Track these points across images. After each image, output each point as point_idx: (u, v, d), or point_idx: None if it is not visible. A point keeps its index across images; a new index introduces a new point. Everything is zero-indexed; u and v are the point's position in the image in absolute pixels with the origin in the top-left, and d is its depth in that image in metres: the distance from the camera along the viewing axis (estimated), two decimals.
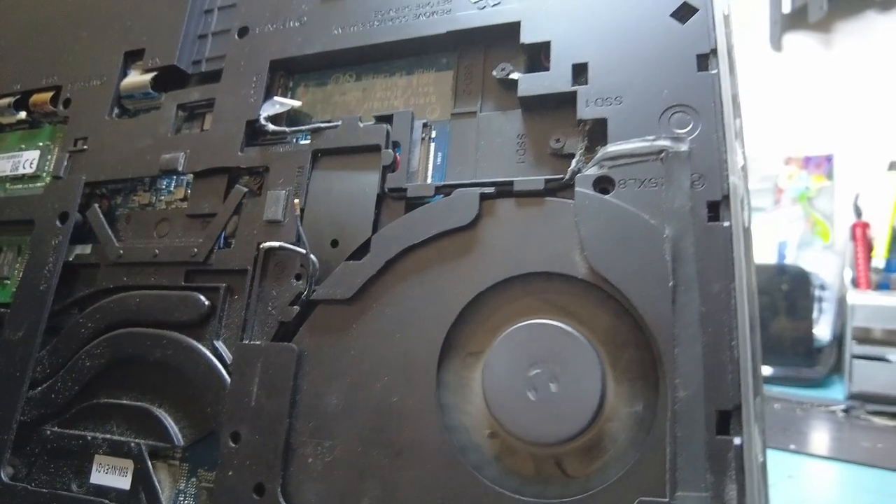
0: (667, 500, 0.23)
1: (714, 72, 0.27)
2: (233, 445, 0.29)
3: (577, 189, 0.27)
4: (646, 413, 0.25)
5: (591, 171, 0.27)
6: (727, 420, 0.23)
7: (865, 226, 0.89)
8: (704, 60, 0.27)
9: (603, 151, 0.27)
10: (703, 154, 0.26)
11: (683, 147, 0.26)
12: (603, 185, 0.27)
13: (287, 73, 0.37)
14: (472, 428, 0.27)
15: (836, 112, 1.01)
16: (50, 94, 0.41)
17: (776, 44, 1.07)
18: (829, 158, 1.01)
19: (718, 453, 0.22)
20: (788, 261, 0.97)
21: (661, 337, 0.24)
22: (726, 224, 0.25)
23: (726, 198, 0.25)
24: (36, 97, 0.41)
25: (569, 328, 0.26)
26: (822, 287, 0.93)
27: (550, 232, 0.27)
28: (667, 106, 0.27)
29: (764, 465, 0.24)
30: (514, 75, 0.30)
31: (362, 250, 0.30)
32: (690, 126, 0.26)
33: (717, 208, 0.25)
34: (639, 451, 0.24)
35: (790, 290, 0.91)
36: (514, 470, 0.26)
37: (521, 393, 0.25)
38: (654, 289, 0.24)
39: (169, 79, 0.39)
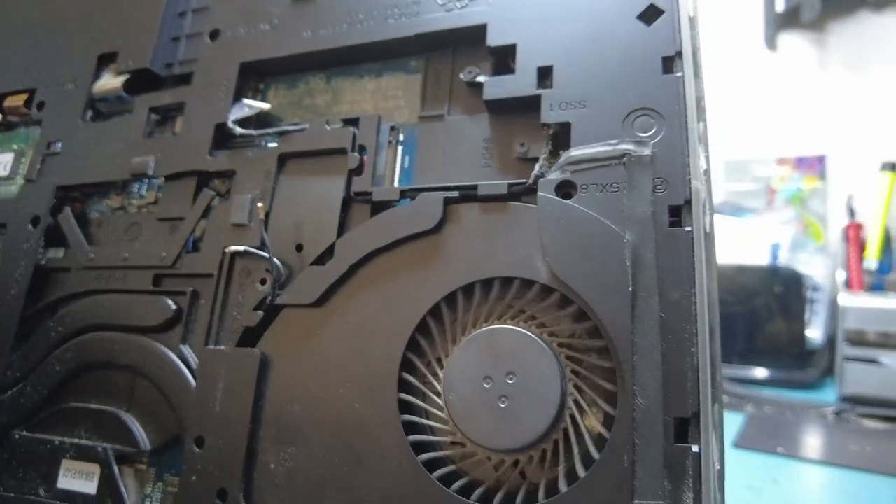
0: None
1: (679, 74, 0.26)
2: (197, 450, 0.29)
3: (539, 194, 0.26)
4: (605, 420, 0.25)
5: (554, 175, 0.27)
6: (685, 428, 0.23)
7: (859, 227, 0.88)
8: (670, 63, 0.27)
9: (566, 156, 0.27)
10: (666, 158, 0.25)
11: (646, 151, 0.26)
12: (565, 189, 0.26)
13: (258, 76, 0.37)
14: (435, 434, 0.27)
15: (828, 112, 1.01)
16: (24, 96, 0.41)
17: (770, 43, 1.06)
18: (821, 159, 1.01)
19: (676, 461, 0.22)
20: (781, 262, 0.96)
21: (620, 344, 0.24)
22: (688, 229, 0.24)
23: (688, 202, 0.25)
24: (10, 100, 0.41)
25: (530, 334, 0.25)
26: (815, 289, 0.93)
27: (514, 237, 0.27)
28: (630, 109, 0.26)
29: (721, 473, 0.23)
30: (481, 78, 0.30)
31: (327, 255, 0.30)
32: (654, 130, 0.26)
33: (678, 213, 0.25)
34: (598, 458, 0.24)
35: (783, 292, 0.91)
36: (475, 476, 0.26)
37: (482, 399, 0.25)
38: (614, 295, 0.24)
39: (142, 81, 0.39)
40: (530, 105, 0.28)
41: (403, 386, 0.27)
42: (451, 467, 0.26)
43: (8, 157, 0.41)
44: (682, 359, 0.23)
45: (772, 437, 0.66)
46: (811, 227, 0.99)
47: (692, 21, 0.28)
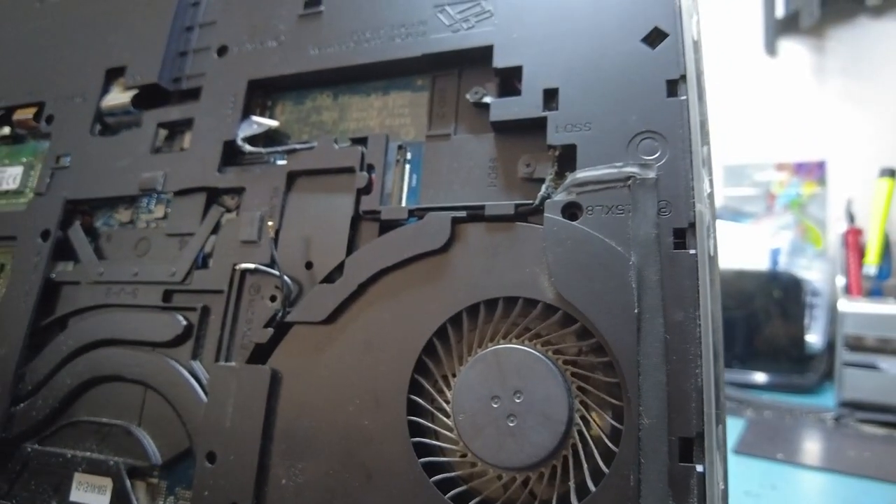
0: None
1: (683, 98, 0.27)
2: (208, 466, 0.29)
3: (545, 215, 0.27)
4: (611, 439, 0.25)
5: (560, 196, 0.27)
6: (689, 448, 0.23)
7: (858, 232, 0.89)
8: (674, 86, 0.27)
9: (571, 177, 0.27)
10: (670, 181, 0.26)
11: (651, 174, 0.26)
12: (571, 210, 0.27)
13: (265, 92, 0.37)
14: (443, 452, 0.27)
15: (828, 118, 1.02)
16: (33, 109, 0.42)
17: (771, 49, 1.07)
18: (821, 164, 1.01)
19: (681, 480, 0.23)
20: (781, 267, 0.97)
21: (625, 364, 0.24)
22: (692, 252, 0.25)
23: (692, 225, 0.25)
24: (19, 113, 0.42)
25: (536, 352, 0.26)
26: (814, 294, 0.93)
27: (520, 257, 0.27)
28: (635, 132, 0.27)
29: (725, 493, 0.24)
30: (487, 99, 0.30)
31: (337, 272, 0.30)
32: (658, 153, 0.26)
33: (683, 236, 0.25)
34: (604, 476, 0.24)
35: (782, 297, 0.92)
36: (486, 495, 0.26)
37: (490, 418, 0.26)
38: (620, 316, 0.25)
39: (150, 96, 0.39)
40: (536, 126, 0.29)
41: (412, 405, 0.28)
42: (462, 487, 0.26)
43: (17, 171, 0.42)
44: (686, 379, 0.23)
45: (771, 442, 0.67)
46: (810, 232, 1.00)
47: (696, 44, 0.28)
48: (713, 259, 0.25)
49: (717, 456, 0.23)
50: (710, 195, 0.26)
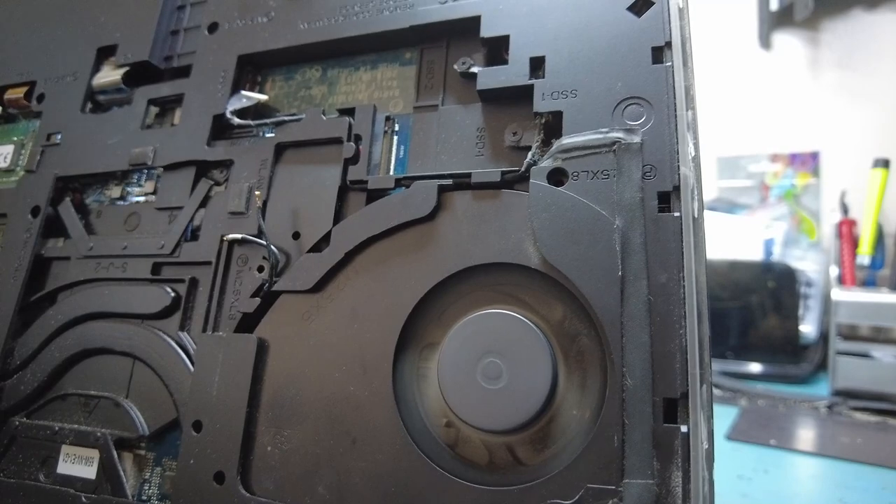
0: (614, 487, 0.23)
1: (668, 64, 0.27)
2: (195, 434, 0.29)
3: (531, 181, 0.27)
4: (596, 401, 0.25)
5: (546, 163, 0.27)
6: (674, 408, 0.23)
7: (851, 223, 0.89)
8: (659, 53, 0.27)
9: (557, 144, 0.27)
10: (655, 145, 0.26)
11: (636, 138, 0.26)
12: (557, 177, 0.27)
13: (255, 67, 0.37)
14: (429, 417, 0.27)
15: (822, 109, 1.02)
16: (24, 89, 0.42)
17: (764, 42, 1.07)
18: (815, 155, 1.02)
19: (665, 441, 0.23)
20: (775, 258, 0.97)
21: (609, 326, 0.24)
22: (676, 214, 0.25)
23: (677, 188, 0.25)
24: (10, 92, 0.42)
25: (521, 318, 0.26)
26: (809, 284, 0.93)
27: (506, 223, 0.27)
28: (621, 98, 0.27)
29: (710, 453, 0.24)
30: (475, 69, 0.31)
31: (324, 242, 0.30)
32: (643, 118, 0.26)
33: (667, 199, 0.25)
34: (588, 438, 0.24)
35: (776, 288, 0.92)
36: (468, 458, 0.26)
37: (474, 381, 0.26)
38: (604, 279, 0.25)
39: (141, 74, 0.39)
40: (523, 94, 0.29)
41: (398, 370, 0.28)
42: (446, 449, 0.26)
43: (8, 149, 0.42)
44: (670, 340, 0.24)
45: (764, 429, 0.67)
46: (804, 223, 1.00)
47: (681, 11, 0.28)
48: (698, 221, 0.26)
49: (701, 416, 0.23)
50: (695, 158, 0.26)
